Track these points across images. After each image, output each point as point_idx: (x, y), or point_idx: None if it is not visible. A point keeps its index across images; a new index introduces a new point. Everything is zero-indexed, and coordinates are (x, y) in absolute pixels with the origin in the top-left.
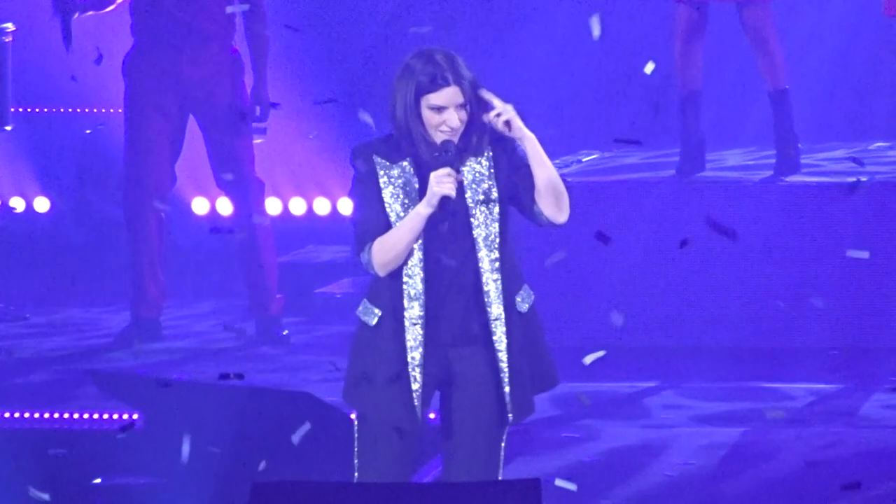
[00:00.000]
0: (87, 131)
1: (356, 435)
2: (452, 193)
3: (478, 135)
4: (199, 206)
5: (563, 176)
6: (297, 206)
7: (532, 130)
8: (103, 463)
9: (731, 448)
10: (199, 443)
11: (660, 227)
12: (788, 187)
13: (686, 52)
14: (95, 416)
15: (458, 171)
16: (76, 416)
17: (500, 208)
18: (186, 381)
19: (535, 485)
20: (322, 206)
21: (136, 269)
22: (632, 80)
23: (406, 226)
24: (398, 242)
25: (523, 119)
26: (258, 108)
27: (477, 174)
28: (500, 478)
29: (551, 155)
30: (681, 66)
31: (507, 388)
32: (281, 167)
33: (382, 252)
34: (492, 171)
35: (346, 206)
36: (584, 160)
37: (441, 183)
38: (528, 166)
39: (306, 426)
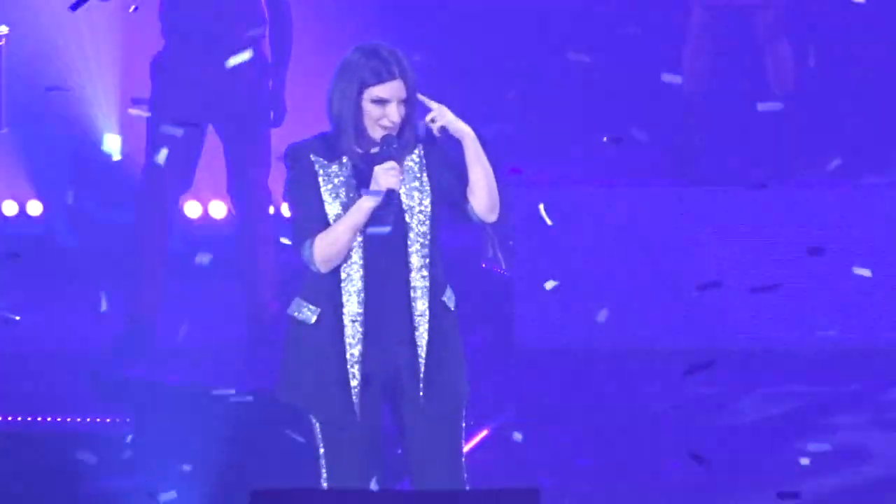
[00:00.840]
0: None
1: (318, 439)
2: (398, 186)
3: (412, 132)
4: (192, 209)
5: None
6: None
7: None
8: (100, 465)
9: None
10: (195, 446)
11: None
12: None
13: (695, 55)
14: (88, 419)
15: (400, 165)
16: (69, 419)
17: (432, 208)
18: (179, 385)
19: (534, 494)
20: None
21: (138, 270)
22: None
23: (348, 220)
24: (341, 237)
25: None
26: (272, 113)
27: (408, 171)
28: (462, 460)
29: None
30: (688, 68)
31: (421, 374)
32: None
33: (325, 247)
34: (423, 168)
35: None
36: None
37: (386, 176)
38: (459, 164)
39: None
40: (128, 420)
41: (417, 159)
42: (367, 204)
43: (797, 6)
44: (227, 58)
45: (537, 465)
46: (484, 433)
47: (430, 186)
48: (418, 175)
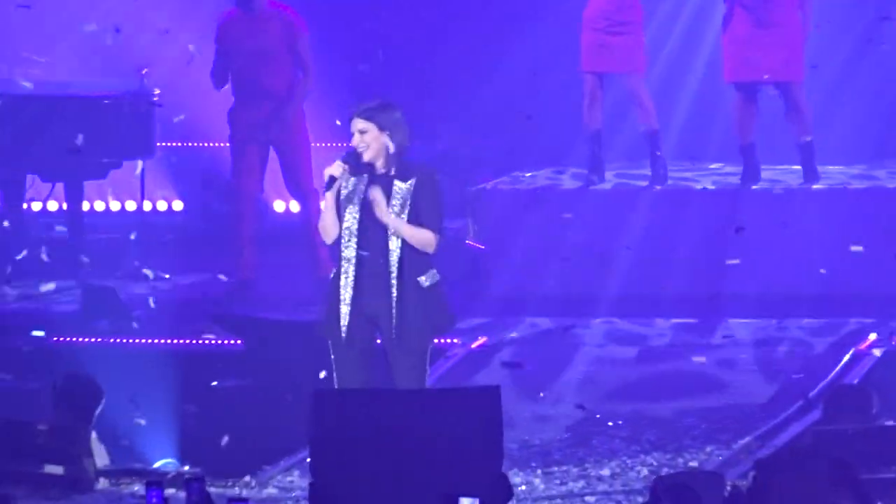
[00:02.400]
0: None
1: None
2: (334, 173)
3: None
4: (279, 205)
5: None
6: None
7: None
8: (219, 373)
9: None
10: (288, 367)
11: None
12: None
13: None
14: (214, 341)
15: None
16: (199, 341)
17: (408, 218)
18: (270, 319)
19: (495, 390)
20: None
21: (238, 246)
22: None
23: (328, 203)
24: (322, 218)
25: None
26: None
27: (400, 189)
28: (424, 375)
29: None
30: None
31: (393, 322)
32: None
33: (321, 223)
34: (410, 193)
35: None
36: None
37: (332, 167)
38: (430, 203)
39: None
40: (238, 342)
41: (409, 186)
42: (329, 194)
43: None
44: (278, 102)
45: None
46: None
47: (410, 206)
48: (405, 196)
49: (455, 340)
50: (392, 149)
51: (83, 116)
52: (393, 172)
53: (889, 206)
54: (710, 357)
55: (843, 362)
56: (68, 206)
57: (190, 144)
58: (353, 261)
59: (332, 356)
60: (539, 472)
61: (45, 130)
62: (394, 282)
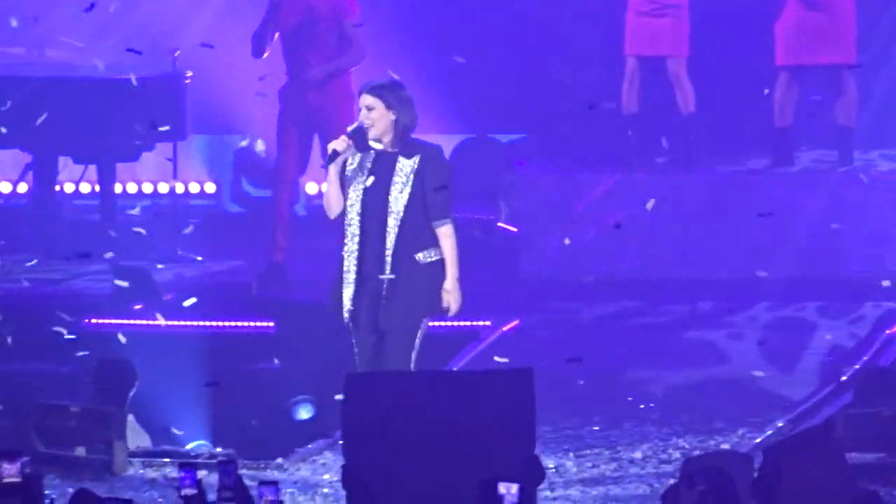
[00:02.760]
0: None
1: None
2: (338, 147)
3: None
4: (311, 187)
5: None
6: None
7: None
8: (253, 354)
9: None
10: (319, 349)
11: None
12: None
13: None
14: (240, 324)
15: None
16: (227, 324)
17: (408, 197)
18: (302, 301)
19: (528, 372)
20: None
21: (273, 227)
22: None
23: (331, 178)
24: (326, 194)
25: None
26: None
27: (405, 166)
28: (412, 363)
29: None
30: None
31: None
32: None
33: (325, 199)
34: (413, 172)
35: None
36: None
37: (336, 142)
38: (437, 183)
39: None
40: (270, 324)
41: (413, 164)
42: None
43: None
44: (324, 87)
45: (533, 354)
46: (499, 331)
47: (413, 185)
48: (408, 174)
49: (486, 323)
50: (398, 126)
51: (116, 98)
52: (398, 150)
53: None
54: (744, 340)
55: (876, 345)
56: (101, 188)
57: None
58: (357, 238)
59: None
60: (571, 455)
61: (78, 112)
62: (388, 259)
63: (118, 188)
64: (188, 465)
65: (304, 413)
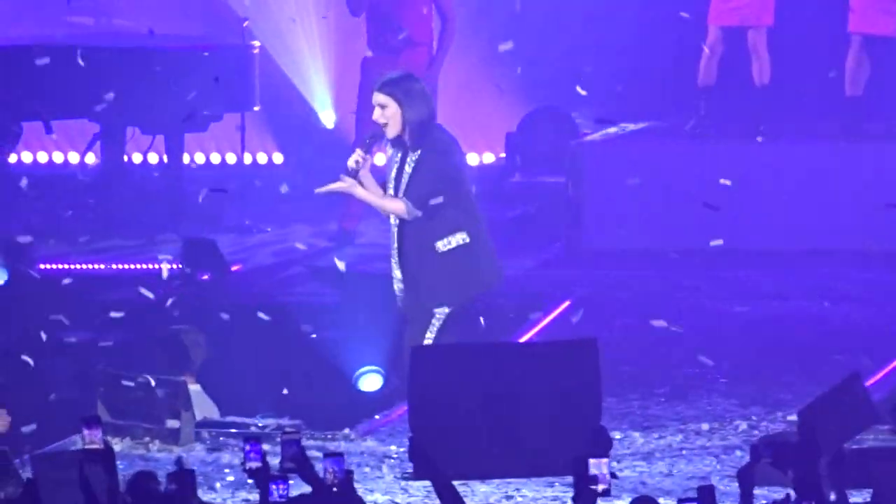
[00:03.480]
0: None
1: None
2: (352, 165)
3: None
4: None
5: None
6: None
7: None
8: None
9: None
10: (383, 319)
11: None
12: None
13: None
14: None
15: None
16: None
17: (406, 189)
18: (370, 272)
19: (593, 343)
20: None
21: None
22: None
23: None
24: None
25: None
26: None
27: (412, 160)
28: (425, 337)
29: None
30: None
31: (398, 286)
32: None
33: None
34: (411, 165)
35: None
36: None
37: (350, 159)
38: (425, 174)
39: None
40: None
41: (414, 160)
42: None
43: None
44: (405, 57)
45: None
46: (563, 306)
47: (410, 178)
48: (408, 170)
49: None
50: (407, 120)
51: (184, 69)
52: (410, 142)
53: None
54: (806, 312)
55: None
56: (168, 159)
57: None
58: (393, 228)
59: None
60: (638, 425)
61: (147, 83)
62: (394, 252)
63: (186, 158)
64: (253, 438)
65: (371, 383)
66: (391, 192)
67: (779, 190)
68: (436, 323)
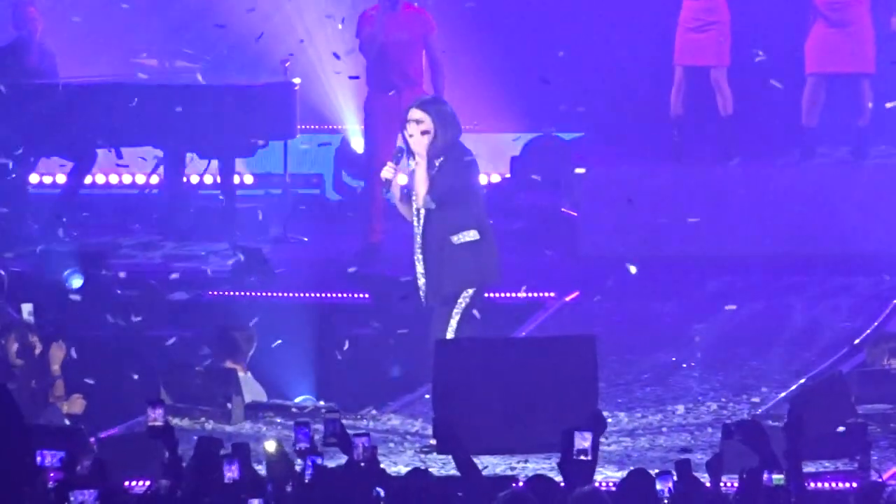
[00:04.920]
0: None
1: None
2: (388, 176)
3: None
4: (401, 178)
5: None
6: None
7: None
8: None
9: None
10: (408, 318)
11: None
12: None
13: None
14: (340, 295)
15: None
16: (328, 295)
17: (431, 189)
18: (392, 276)
19: (591, 339)
20: None
21: (368, 213)
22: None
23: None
24: (402, 210)
25: None
26: None
27: (434, 167)
28: (450, 333)
29: None
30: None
31: (422, 281)
32: None
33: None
34: (435, 168)
35: None
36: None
37: (384, 171)
38: (450, 178)
39: None
40: (366, 296)
41: (438, 164)
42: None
43: None
44: (405, 94)
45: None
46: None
47: (433, 179)
48: (433, 171)
49: (550, 294)
50: (438, 139)
51: (236, 103)
52: (434, 155)
53: None
54: (770, 309)
55: (885, 312)
56: (222, 180)
57: (327, 127)
58: (419, 234)
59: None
60: (623, 406)
61: (203, 115)
62: (417, 252)
63: (236, 179)
64: (303, 423)
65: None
66: (414, 200)
67: (746, 204)
68: (456, 313)
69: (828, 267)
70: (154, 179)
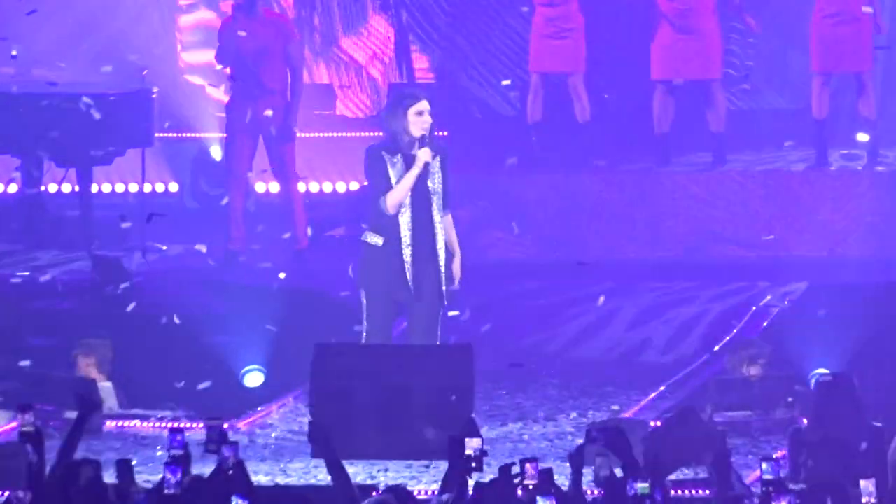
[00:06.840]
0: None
1: (365, 310)
2: (429, 159)
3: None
4: (259, 186)
5: None
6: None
7: None
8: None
9: None
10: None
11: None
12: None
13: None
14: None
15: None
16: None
17: (443, 187)
18: (254, 284)
19: (468, 348)
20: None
21: (228, 221)
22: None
23: (408, 181)
24: (403, 190)
25: None
26: (292, 129)
27: (434, 166)
28: (438, 335)
29: None
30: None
31: (443, 278)
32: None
33: (395, 198)
34: (440, 167)
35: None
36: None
37: (426, 154)
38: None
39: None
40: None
41: (440, 162)
42: (416, 171)
43: None
44: (268, 97)
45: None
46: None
47: (442, 177)
48: (439, 169)
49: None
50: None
51: (92, 111)
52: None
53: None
54: (630, 315)
55: (744, 320)
56: (79, 188)
57: (183, 135)
58: (409, 226)
59: (367, 311)
60: (483, 415)
61: (61, 122)
62: (440, 243)
63: (94, 188)
64: (176, 429)
65: (254, 380)
66: (408, 195)
67: (603, 210)
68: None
69: (689, 273)
70: (11, 188)
